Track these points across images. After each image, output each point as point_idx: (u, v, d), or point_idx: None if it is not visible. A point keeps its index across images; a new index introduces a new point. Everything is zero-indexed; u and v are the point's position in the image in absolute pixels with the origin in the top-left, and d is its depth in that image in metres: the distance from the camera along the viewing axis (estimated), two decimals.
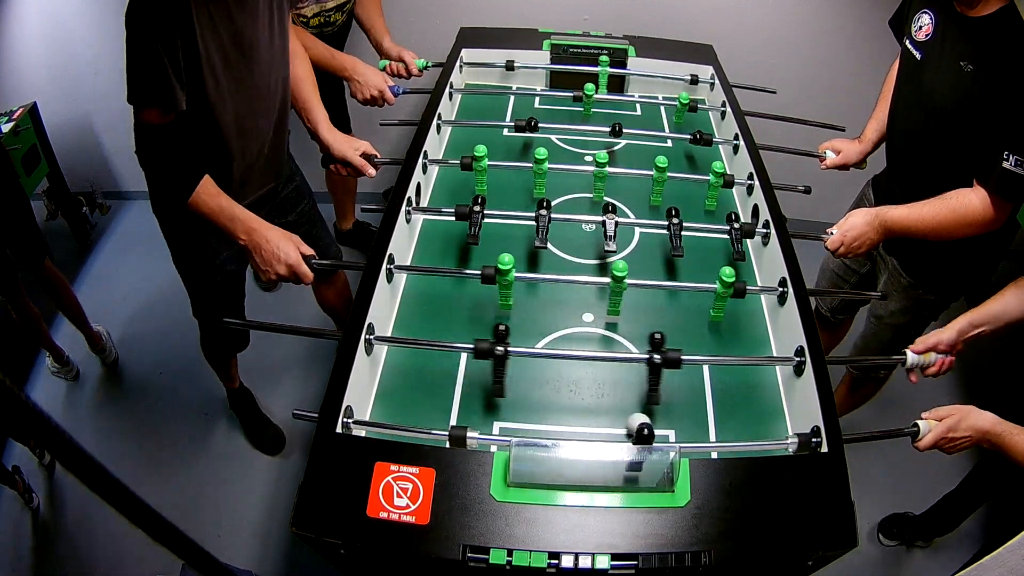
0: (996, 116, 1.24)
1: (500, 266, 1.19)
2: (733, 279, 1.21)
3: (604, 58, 1.92)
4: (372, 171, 1.63)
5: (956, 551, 1.95)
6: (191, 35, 1.18)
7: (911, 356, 1.25)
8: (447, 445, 1.01)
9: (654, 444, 0.99)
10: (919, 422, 1.13)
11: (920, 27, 1.39)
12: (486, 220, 1.41)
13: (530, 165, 1.52)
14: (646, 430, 1.00)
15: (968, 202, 1.31)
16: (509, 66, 1.98)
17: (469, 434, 1.00)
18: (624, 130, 1.70)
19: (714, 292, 1.25)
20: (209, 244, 1.54)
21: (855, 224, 1.41)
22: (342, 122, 2.28)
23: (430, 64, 2.03)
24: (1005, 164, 1.23)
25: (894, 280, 1.61)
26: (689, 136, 1.71)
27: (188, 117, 1.28)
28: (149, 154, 1.27)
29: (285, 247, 1.32)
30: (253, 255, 1.34)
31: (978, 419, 1.10)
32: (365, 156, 1.62)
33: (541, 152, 1.48)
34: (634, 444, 0.99)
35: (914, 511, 1.97)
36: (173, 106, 1.21)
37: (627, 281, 1.21)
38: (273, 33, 1.37)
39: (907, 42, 1.43)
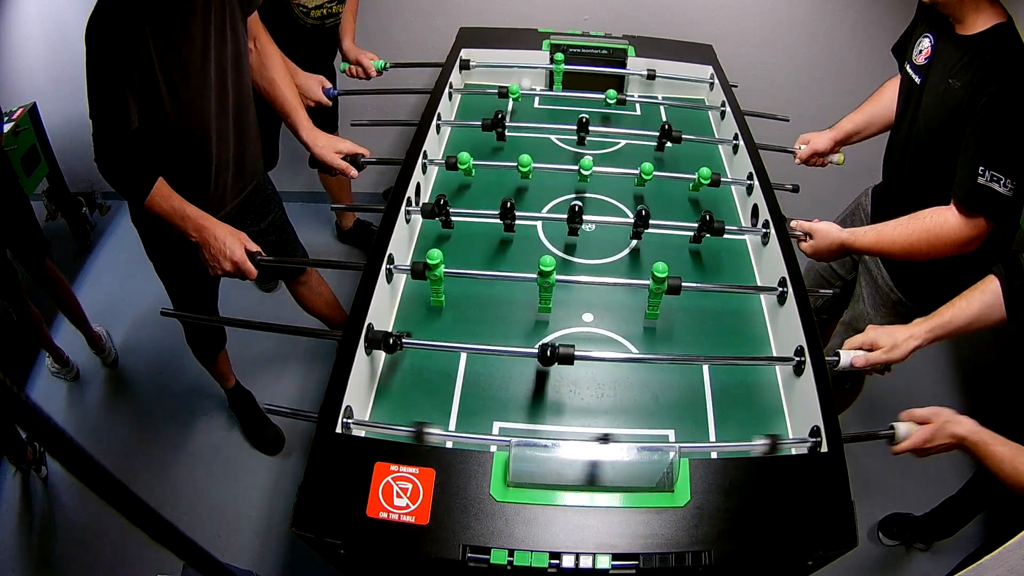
0: (975, 129, 1.23)
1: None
2: (666, 275, 1.20)
3: (559, 55, 1.92)
4: (354, 172, 1.64)
5: (956, 555, 1.94)
6: (147, 56, 1.23)
7: (844, 358, 1.20)
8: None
9: (653, 444, 1.00)
10: (896, 424, 1.10)
11: (920, 51, 1.39)
12: (486, 220, 1.41)
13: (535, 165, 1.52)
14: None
15: (943, 220, 1.29)
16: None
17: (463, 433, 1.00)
18: (622, 130, 1.70)
19: (648, 289, 1.24)
20: (187, 252, 1.56)
21: (818, 248, 1.43)
22: (329, 121, 2.28)
23: (389, 65, 2.03)
24: (980, 180, 1.21)
25: (883, 295, 1.59)
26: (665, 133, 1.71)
27: (156, 130, 1.33)
28: (105, 161, 1.32)
29: (231, 244, 1.37)
30: (202, 250, 1.39)
31: (956, 426, 1.07)
32: (351, 156, 1.62)
33: (524, 160, 1.49)
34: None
35: (915, 512, 1.97)
36: (125, 128, 1.27)
37: (625, 281, 1.20)
38: (225, 36, 1.38)
39: (907, 67, 1.43)
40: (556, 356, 1.08)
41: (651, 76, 1.95)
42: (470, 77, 2.03)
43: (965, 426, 1.07)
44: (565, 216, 1.40)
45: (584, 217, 1.40)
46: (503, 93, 1.81)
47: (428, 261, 1.21)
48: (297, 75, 1.84)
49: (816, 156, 1.73)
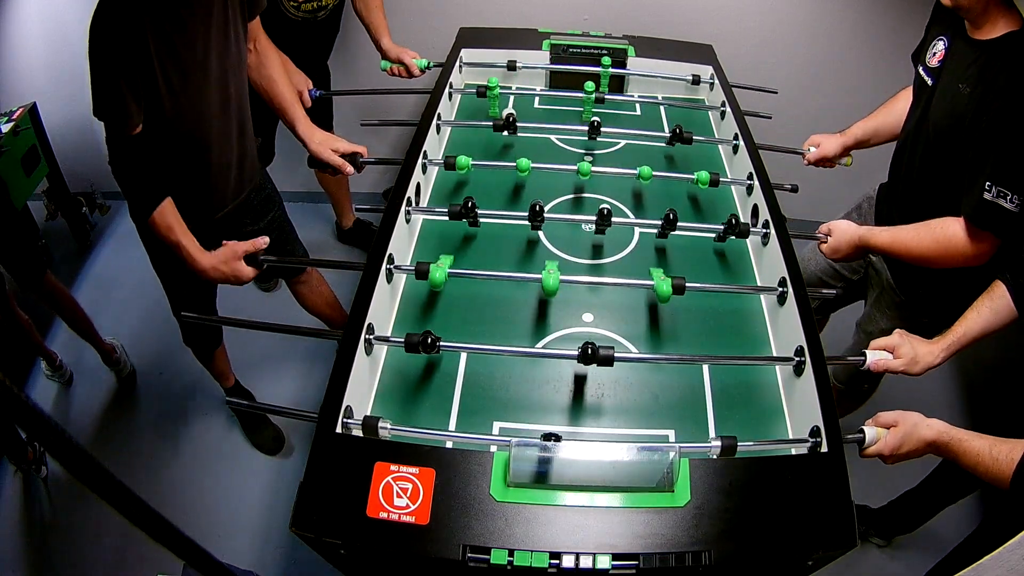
0: (982, 142, 1.22)
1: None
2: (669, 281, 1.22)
3: (606, 59, 1.92)
4: (350, 169, 1.63)
5: (919, 553, 1.91)
6: (147, 58, 1.24)
7: (870, 357, 1.24)
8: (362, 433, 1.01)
9: (653, 444, 1.00)
10: (865, 428, 1.10)
11: (935, 53, 1.39)
12: (500, 221, 1.42)
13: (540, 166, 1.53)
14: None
15: (953, 233, 1.29)
16: (511, 66, 1.98)
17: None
18: (621, 129, 1.70)
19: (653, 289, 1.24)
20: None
21: (839, 245, 1.43)
22: (325, 119, 2.28)
23: (432, 64, 2.02)
24: (986, 195, 1.20)
25: (887, 297, 1.59)
26: (668, 133, 1.71)
27: (158, 132, 1.34)
28: (119, 166, 1.34)
29: (221, 273, 1.39)
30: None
31: (925, 430, 1.07)
32: (348, 155, 1.63)
33: (523, 163, 1.50)
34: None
35: (871, 504, 1.94)
36: (127, 126, 1.28)
37: (627, 281, 1.20)
38: (228, 41, 1.39)
39: (920, 68, 1.43)
40: (596, 356, 1.10)
41: (696, 81, 1.97)
42: (472, 77, 2.03)
43: (935, 428, 1.07)
44: (570, 216, 1.41)
45: (577, 217, 1.41)
46: (480, 93, 1.82)
47: (435, 263, 1.21)
48: (287, 65, 1.83)
49: (825, 160, 1.73)
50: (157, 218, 1.36)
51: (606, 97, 1.87)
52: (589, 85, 1.78)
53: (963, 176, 1.27)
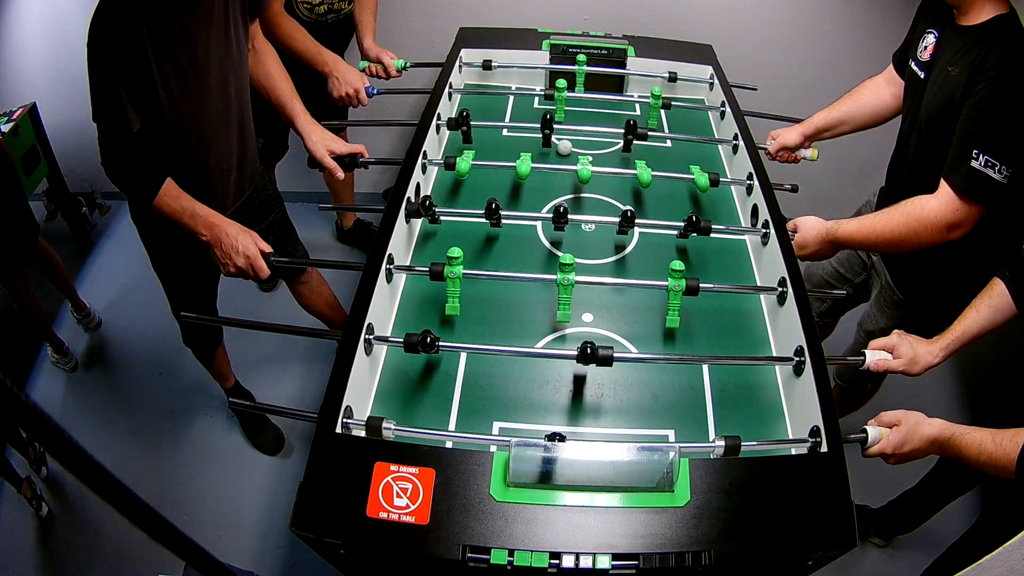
0: (972, 111, 1.22)
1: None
2: (683, 269, 1.21)
3: (581, 56, 1.92)
4: (340, 174, 1.64)
5: (919, 552, 1.90)
6: (145, 62, 1.24)
7: (869, 357, 1.24)
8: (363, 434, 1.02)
9: (653, 444, 1.00)
10: (868, 428, 1.10)
11: (925, 47, 1.39)
12: (476, 220, 1.42)
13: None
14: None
15: (924, 205, 1.29)
16: (486, 65, 1.98)
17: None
18: (619, 129, 1.70)
19: (667, 290, 1.23)
20: (186, 250, 1.56)
21: (806, 241, 1.42)
22: (337, 118, 2.27)
23: (409, 65, 2.03)
24: (974, 163, 1.20)
25: (886, 296, 1.59)
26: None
27: (155, 134, 1.34)
28: (111, 164, 1.33)
29: (244, 241, 1.37)
30: (214, 248, 1.38)
31: (927, 428, 1.07)
32: (345, 156, 1.63)
33: (523, 170, 1.50)
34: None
35: (872, 505, 1.94)
36: (126, 129, 1.28)
37: (632, 281, 1.21)
38: (229, 43, 1.39)
39: (912, 63, 1.43)
40: (595, 356, 1.09)
41: (672, 79, 1.95)
42: (471, 77, 2.03)
43: (936, 425, 1.08)
44: (524, 214, 1.41)
45: (572, 217, 1.41)
46: (549, 96, 1.80)
47: (449, 255, 1.21)
48: (339, 64, 1.85)
49: (785, 150, 1.72)
50: (164, 199, 1.34)
51: (606, 97, 1.86)
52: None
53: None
